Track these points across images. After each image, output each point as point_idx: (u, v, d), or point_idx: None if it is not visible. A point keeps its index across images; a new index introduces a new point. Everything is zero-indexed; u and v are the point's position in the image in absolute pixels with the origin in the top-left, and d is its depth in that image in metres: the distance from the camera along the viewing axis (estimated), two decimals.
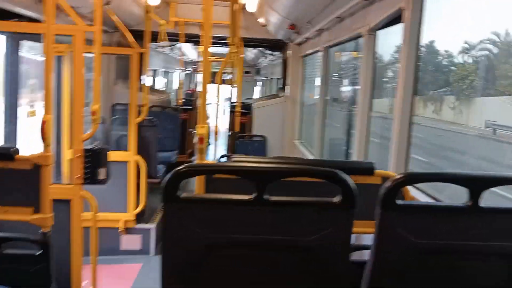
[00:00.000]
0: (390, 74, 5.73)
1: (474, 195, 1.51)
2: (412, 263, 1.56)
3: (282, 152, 9.06)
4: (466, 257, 1.58)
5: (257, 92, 20.70)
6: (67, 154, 5.45)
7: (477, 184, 1.51)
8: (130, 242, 5.94)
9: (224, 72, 6.72)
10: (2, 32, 5.07)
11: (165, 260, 1.59)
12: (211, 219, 1.56)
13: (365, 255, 1.68)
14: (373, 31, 4.36)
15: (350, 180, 1.54)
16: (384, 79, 5.88)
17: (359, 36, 4.84)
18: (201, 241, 1.56)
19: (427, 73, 5.65)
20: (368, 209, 1.66)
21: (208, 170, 1.98)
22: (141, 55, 6.11)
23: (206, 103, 3.25)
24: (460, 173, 1.58)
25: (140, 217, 6.10)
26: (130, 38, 5.87)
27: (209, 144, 9.49)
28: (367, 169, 2.54)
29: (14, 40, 5.36)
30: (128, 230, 5.91)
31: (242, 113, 9.27)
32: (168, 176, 1.53)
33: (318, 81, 7.13)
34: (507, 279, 1.59)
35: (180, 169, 1.54)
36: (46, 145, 2.91)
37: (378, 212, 1.53)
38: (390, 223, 1.54)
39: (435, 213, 1.56)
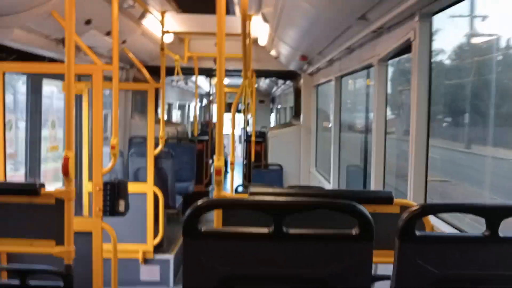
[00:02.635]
0: None
1: (492, 225, 1.52)
2: None
3: (299, 180, 9.07)
4: (486, 286, 1.58)
5: (273, 120, 20.85)
6: (87, 187, 5.55)
7: (494, 214, 1.52)
8: (149, 273, 5.96)
9: (239, 103, 6.83)
10: (24, 73, 5.28)
11: None
12: (230, 252, 1.59)
13: (386, 285, 1.70)
14: (384, 60, 4.44)
15: (367, 212, 1.55)
16: None
17: (370, 66, 4.92)
18: (220, 275, 1.58)
19: None
20: (388, 239, 1.67)
21: (228, 205, 2.02)
22: (157, 90, 6.26)
23: (223, 135, 3.33)
24: (477, 204, 1.58)
25: (159, 248, 6.14)
26: (146, 74, 6.04)
27: (227, 173, 9.56)
28: (385, 199, 2.55)
29: (36, 79, 5.57)
30: (146, 261, 5.94)
31: (257, 142, 9.35)
32: (189, 211, 1.57)
33: (332, 109, 7.21)
34: None
35: (201, 204, 1.58)
36: (69, 180, 2.99)
37: (397, 244, 1.55)
38: (409, 254, 1.55)
39: (454, 244, 1.56)
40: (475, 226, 3.13)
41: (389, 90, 4.67)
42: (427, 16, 3.37)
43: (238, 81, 7.44)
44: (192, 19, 7.34)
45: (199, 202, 1.59)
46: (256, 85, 9.94)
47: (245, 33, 3.84)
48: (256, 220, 1.62)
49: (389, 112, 4.86)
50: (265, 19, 6.63)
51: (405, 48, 3.87)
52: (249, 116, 9.59)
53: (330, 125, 7.48)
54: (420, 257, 1.54)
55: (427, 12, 3.35)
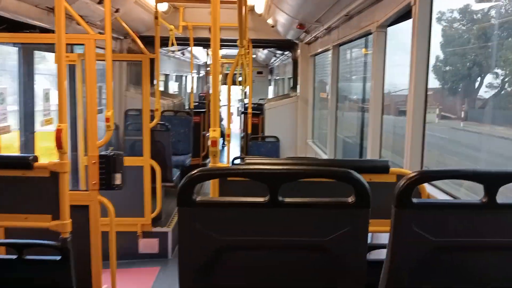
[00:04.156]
0: None
1: (490, 192, 1.50)
2: (428, 261, 1.55)
3: (296, 152, 9.06)
4: (483, 253, 1.57)
5: (271, 92, 20.75)
6: (83, 161, 5.51)
7: (493, 181, 1.50)
8: (148, 245, 5.99)
9: (235, 74, 6.76)
10: (15, 44, 5.16)
11: (182, 263, 1.61)
12: (226, 221, 1.57)
13: (382, 254, 1.68)
14: (383, 27, 4.35)
15: (363, 180, 1.54)
16: None
17: (369, 33, 4.83)
18: (216, 244, 1.58)
19: None
20: (384, 208, 1.66)
21: (221, 174, 1.99)
22: (152, 61, 6.16)
23: (218, 106, 3.28)
24: (475, 170, 1.56)
25: (157, 221, 6.16)
26: (140, 44, 5.93)
27: (224, 146, 9.55)
28: (382, 168, 2.54)
29: (27, 51, 5.45)
30: (145, 234, 5.97)
31: (254, 114, 9.29)
32: (182, 181, 1.56)
33: (329, 79, 7.13)
34: None
35: (194, 173, 1.56)
36: (62, 153, 2.96)
37: (393, 211, 1.53)
38: (405, 222, 1.53)
39: (451, 211, 1.55)
40: (471, 196, 3.11)
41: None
42: None
43: (235, 52, 7.34)
44: None
45: (193, 172, 1.57)
46: (254, 56, 9.83)
47: (240, 1, 3.74)
48: (252, 192, 1.59)
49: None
50: None
51: (405, 14, 3.78)
52: (246, 89, 9.51)
53: (327, 96, 7.41)
54: (417, 225, 1.53)
55: None
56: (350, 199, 1.55)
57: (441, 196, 3.16)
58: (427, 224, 1.53)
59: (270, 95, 19.89)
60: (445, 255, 1.56)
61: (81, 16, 4.47)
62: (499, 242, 1.55)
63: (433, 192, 3.14)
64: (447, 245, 1.55)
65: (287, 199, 1.55)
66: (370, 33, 4.66)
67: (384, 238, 1.65)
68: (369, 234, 2.16)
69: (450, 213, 1.55)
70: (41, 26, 4.93)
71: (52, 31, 4.96)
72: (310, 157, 6.41)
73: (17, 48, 5.37)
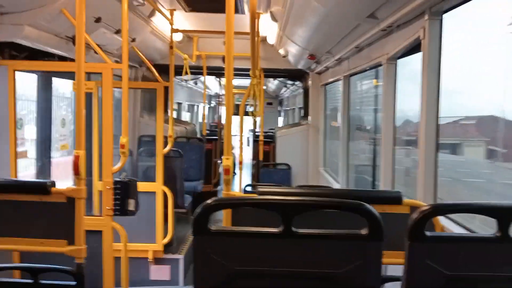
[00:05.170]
0: None
1: (504, 226, 1.51)
2: None
3: (307, 180, 9.06)
4: (496, 287, 1.56)
5: (281, 123, 20.94)
6: (97, 186, 5.58)
7: (505, 215, 1.51)
8: (159, 272, 5.98)
9: (247, 104, 6.87)
10: (34, 71, 5.31)
11: None
12: (240, 250, 1.60)
13: (398, 286, 1.68)
14: (393, 59, 4.42)
15: (376, 212, 1.54)
16: None
17: (379, 65, 4.90)
18: (230, 272, 1.59)
19: None
20: (398, 240, 1.65)
21: (236, 204, 2.02)
22: (166, 89, 6.28)
23: (231, 135, 3.34)
24: (488, 204, 1.57)
25: (168, 247, 6.15)
26: (155, 72, 6.06)
27: (235, 174, 9.57)
28: (394, 199, 2.53)
29: (46, 77, 5.60)
30: (157, 261, 5.96)
31: (265, 142, 9.35)
32: (198, 209, 1.59)
33: (340, 109, 7.19)
34: None
35: (209, 203, 1.59)
36: (80, 179, 3.01)
37: (407, 244, 1.54)
38: (419, 255, 1.53)
39: (464, 244, 1.55)
40: (485, 229, 3.07)
41: None
42: (437, 14, 3.34)
43: (247, 82, 7.47)
44: (201, 18, 7.37)
45: (209, 200, 1.61)
46: (264, 87, 9.96)
47: (253, 32, 3.84)
48: (265, 221, 1.62)
49: None
50: (274, 18, 6.63)
51: (415, 47, 3.85)
52: (257, 118, 9.62)
53: (338, 125, 7.47)
54: (430, 258, 1.53)
55: (437, 10, 3.32)
56: (363, 232, 1.55)
57: (455, 228, 3.14)
58: (440, 257, 1.53)
59: (280, 125, 20.05)
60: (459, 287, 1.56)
61: (98, 45, 4.62)
62: None
63: (447, 224, 3.13)
64: (461, 279, 1.55)
65: (301, 230, 1.56)
66: (380, 65, 4.73)
67: (399, 270, 1.66)
68: (384, 266, 2.17)
69: (463, 246, 1.54)
70: (59, 54, 5.08)
71: (70, 59, 5.13)
72: (322, 185, 6.42)
73: (36, 76, 5.52)
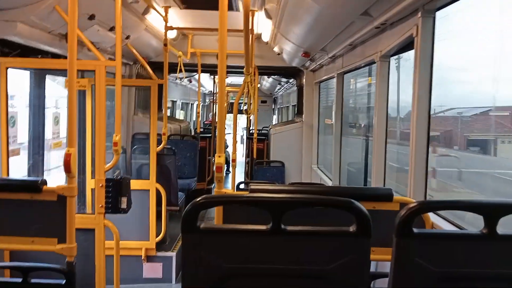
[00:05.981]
0: None
1: (490, 223, 1.52)
2: None
3: (301, 177, 9.07)
4: (484, 283, 1.57)
5: (275, 121, 20.95)
6: (90, 184, 5.57)
7: (492, 212, 1.52)
8: (152, 270, 5.98)
9: (241, 102, 6.87)
10: (27, 68, 5.28)
11: None
12: (229, 248, 1.60)
13: (387, 282, 1.70)
14: (386, 57, 4.43)
15: (365, 210, 1.55)
16: None
17: (372, 62, 4.91)
18: (220, 270, 1.60)
19: None
20: (388, 236, 1.67)
21: (225, 202, 2.02)
22: (161, 86, 6.27)
23: (224, 132, 3.33)
24: (476, 201, 1.59)
25: (161, 245, 6.15)
26: (149, 69, 6.04)
27: (228, 173, 9.58)
28: (385, 196, 2.55)
29: (39, 75, 5.57)
30: (149, 258, 5.96)
31: (259, 140, 9.35)
32: (187, 208, 1.59)
33: (333, 107, 7.20)
34: None
35: (198, 201, 1.59)
36: (71, 177, 3.00)
37: (395, 241, 1.55)
38: (406, 252, 1.55)
39: (452, 241, 1.56)
40: (476, 224, 3.08)
41: None
42: (430, 12, 3.35)
43: (241, 80, 7.45)
44: (196, 15, 7.35)
45: (198, 199, 1.61)
46: (258, 85, 9.94)
47: (247, 29, 3.83)
48: (256, 218, 1.62)
49: None
50: (268, 15, 6.61)
51: (408, 45, 3.86)
52: (251, 116, 9.61)
53: (331, 123, 7.48)
54: (417, 255, 1.54)
55: (430, 8, 3.33)
56: (352, 228, 1.56)
57: (446, 225, 3.17)
58: (428, 254, 1.54)
59: (274, 123, 20.08)
60: (446, 285, 1.57)
61: (92, 42, 4.59)
62: (500, 273, 1.55)
63: (438, 221, 3.14)
64: (449, 276, 1.56)
65: (289, 227, 1.57)
66: (374, 62, 4.74)
67: (389, 266, 1.67)
68: (374, 263, 2.17)
69: (451, 243, 1.56)
70: (52, 52, 5.05)
71: (63, 56, 5.10)
72: (314, 183, 6.42)
73: (28, 72, 5.49)
